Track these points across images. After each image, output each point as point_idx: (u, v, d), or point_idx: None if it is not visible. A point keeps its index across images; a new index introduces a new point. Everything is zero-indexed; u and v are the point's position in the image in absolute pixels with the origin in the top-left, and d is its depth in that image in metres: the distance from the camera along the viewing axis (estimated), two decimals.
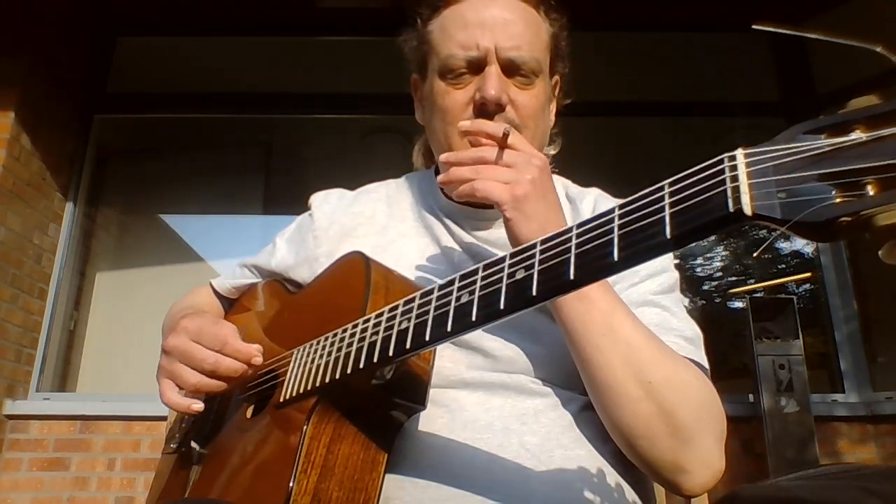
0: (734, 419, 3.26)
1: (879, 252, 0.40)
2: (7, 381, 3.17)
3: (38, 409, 3.20)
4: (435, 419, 0.79)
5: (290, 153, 4.47)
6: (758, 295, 4.06)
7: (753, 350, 3.04)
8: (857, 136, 0.40)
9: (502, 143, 0.81)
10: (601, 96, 3.44)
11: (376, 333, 0.67)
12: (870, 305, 3.55)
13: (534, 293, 0.54)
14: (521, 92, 0.91)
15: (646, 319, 0.81)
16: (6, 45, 3.26)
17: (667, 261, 0.93)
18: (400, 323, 0.65)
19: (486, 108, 0.88)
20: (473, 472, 0.75)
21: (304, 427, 0.69)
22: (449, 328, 0.59)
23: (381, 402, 0.72)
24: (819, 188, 0.40)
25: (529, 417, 0.81)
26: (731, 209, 0.43)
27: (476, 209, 0.95)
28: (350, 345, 0.70)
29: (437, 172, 1.02)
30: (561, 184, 1.05)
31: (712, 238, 4.02)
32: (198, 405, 0.80)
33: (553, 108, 1.02)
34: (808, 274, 3.99)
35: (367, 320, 0.70)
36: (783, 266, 4.32)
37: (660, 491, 0.95)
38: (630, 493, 0.82)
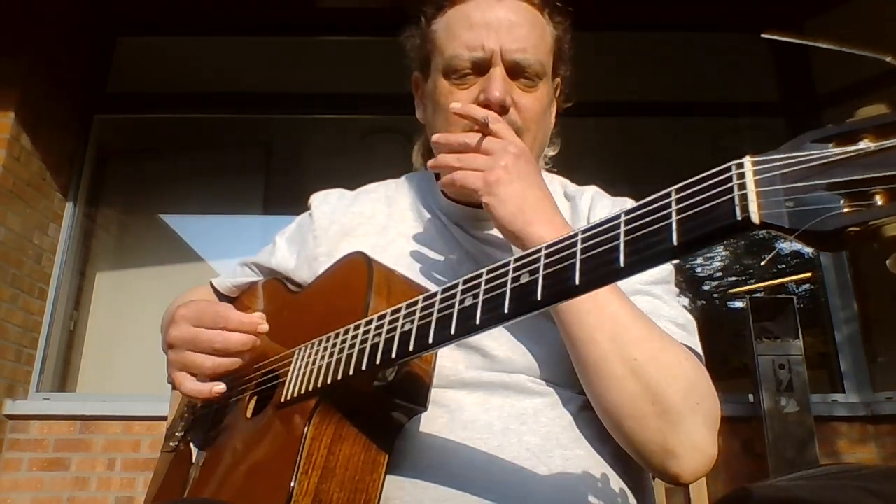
0: (734, 419, 3.26)
1: (887, 262, 0.40)
2: (7, 381, 3.17)
3: (38, 409, 3.20)
4: (434, 419, 0.79)
5: (290, 153, 4.47)
6: (758, 295, 4.06)
7: (753, 350, 3.04)
8: (866, 145, 0.39)
9: (484, 130, 0.84)
10: (601, 96, 3.44)
11: (379, 335, 0.67)
12: (870, 305, 3.55)
13: (538, 298, 0.54)
14: (525, 94, 0.91)
15: None
16: (6, 45, 3.26)
17: None
18: (403, 325, 0.65)
19: (489, 110, 0.88)
20: (473, 473, 0.76)
21: (306, 428, 0.69)
22: (452, 331, 0.59)
23: (383, 403, 0.72)
24: (827, 197, 0.40)
25: (529, 417, 0.81)
26: (739, 217, 0.43)
27: (475, 209, 0.95)
28: (352, 346, 0.70)
29: (437, 173, 1.02)
30: (559, 182, 1.06)
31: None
32: (220, 387, 0.79)
33: (553, 110, 1.03)
34: (808, 274, 3.99)
35: (370, 321, 0.70)
36: (783, 266, 4.32)
37: (660, 491, 0.95)
38: (629, 494, 0.82)
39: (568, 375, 0.82)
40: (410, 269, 0.91)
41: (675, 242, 0.46)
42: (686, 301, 4.28)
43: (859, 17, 3.35)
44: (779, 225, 0.41)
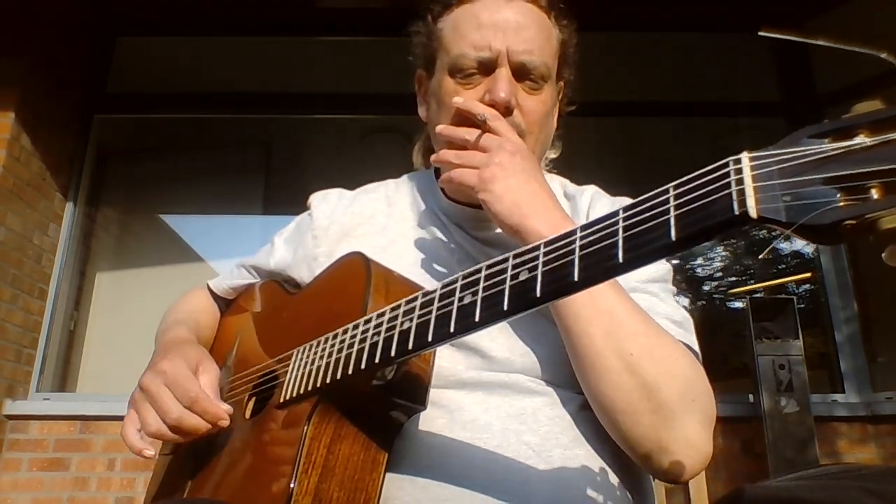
0: (734, 419, 3.26)
1: (883, 255, 0.40)
2: (7, 381, 3.17)
3: (38, 410, 3.20)
4: (434, 420, 0.79)
5: (290, 153, 4.47)
6: (758, 295, 4.06)
7: (753, 350, 3.04)
8: (862, 140, 0.40)
9: (483, 127, 0.86)
10: (602, 96, 3.44)
11: (377, 334, 0.67)
12: (870, 305, 3.55)
13: (537, 294, 0.54)
14: (529, 97, 0.91)
15: None
16: (6, 45, 3.26)
17: None
18: (402, 323, 0.65)
19: (495, 110, 0.88)
20: (472, 472, 0.76)
21: (305, 427, 0.69)
22: (451, 329, 0.59)
23: (382, 402, 0.72)
24: (824, 192, 0.40)
25: (528, 417, 0.81)
26: (737, 212, 0.43)
27: (476, 210, 0.95)
28: (351, 346, 0.70)
29: (437, 172, 1.02)
30: (559, 182, 1.06)
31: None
32: (149, 452, 0.79)
33: (556, 113, 1.03)
34: (808, 274, 3.99)
35: (369, 321, 0.70)
36: (783, 266, 4.32)
37: (660, 491, 0.95)
38: (629, 493, 0.82)
39: (567, 376, 0.82)
40: (410, 270, 0.90)
41: (673, 238, 0.46)
42: (685, 301, 4.30)
43: (859, 17, 3.36)
44: (776, 219, 0.41)
